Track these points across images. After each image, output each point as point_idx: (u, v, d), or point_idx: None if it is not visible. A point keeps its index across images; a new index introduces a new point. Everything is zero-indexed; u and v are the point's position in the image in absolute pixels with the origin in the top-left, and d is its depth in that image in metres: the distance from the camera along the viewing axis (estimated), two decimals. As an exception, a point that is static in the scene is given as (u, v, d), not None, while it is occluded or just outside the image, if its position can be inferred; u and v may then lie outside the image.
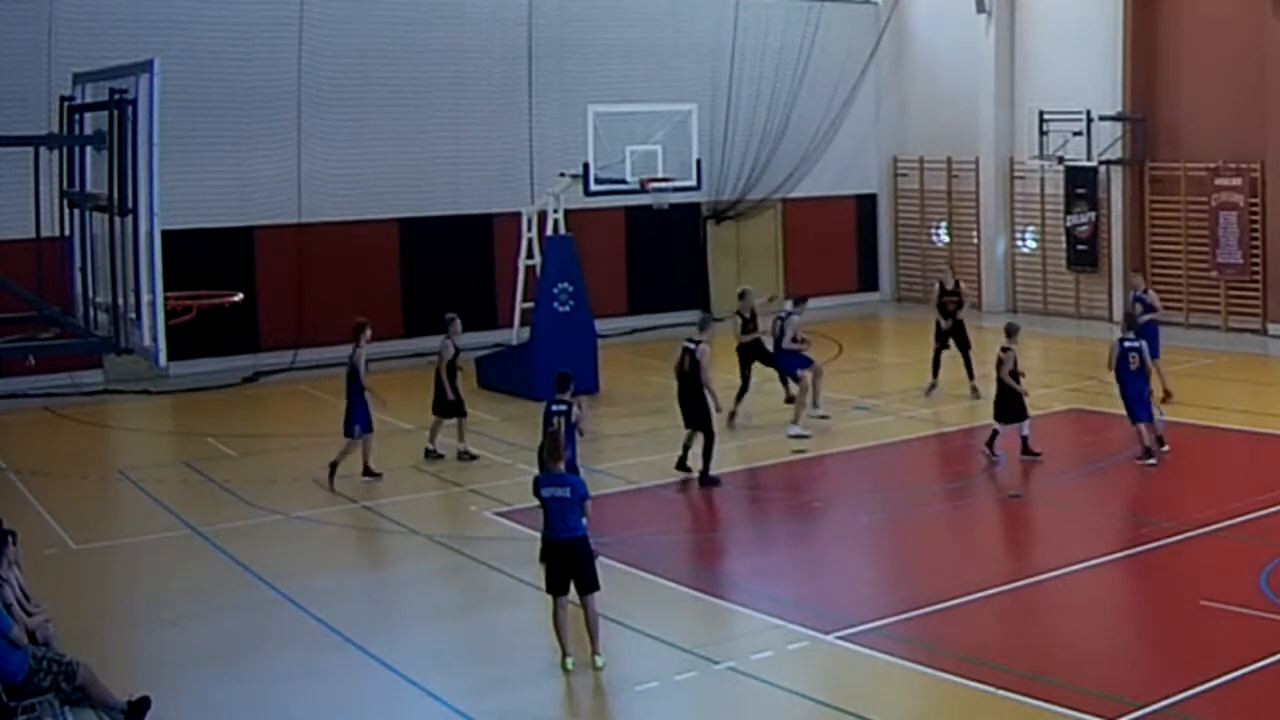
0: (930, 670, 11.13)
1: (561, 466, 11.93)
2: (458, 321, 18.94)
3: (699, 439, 17.62)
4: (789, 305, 21.30)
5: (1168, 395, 20.81)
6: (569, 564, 11.63)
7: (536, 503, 11.84)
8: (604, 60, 29.49)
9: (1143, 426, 17.77)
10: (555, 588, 11.68)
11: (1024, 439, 18.05)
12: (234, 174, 26.15)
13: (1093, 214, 29.71)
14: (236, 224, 26.31)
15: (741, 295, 21.47)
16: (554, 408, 14.82)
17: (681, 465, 17.82)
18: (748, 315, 21.12)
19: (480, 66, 28.52)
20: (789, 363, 20.68)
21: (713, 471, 17.38)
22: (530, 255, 24.43)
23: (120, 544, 15.71)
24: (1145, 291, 21.69)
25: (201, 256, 23.78)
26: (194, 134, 24.09)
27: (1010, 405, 18.00)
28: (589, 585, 11.65)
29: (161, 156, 9.16)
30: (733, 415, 20.53)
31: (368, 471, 17.77)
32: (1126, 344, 18.00)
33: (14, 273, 10.98)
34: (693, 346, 17.58)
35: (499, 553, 14.94)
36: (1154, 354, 20.57)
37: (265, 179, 26.49)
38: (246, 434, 21.08)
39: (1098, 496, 16.95)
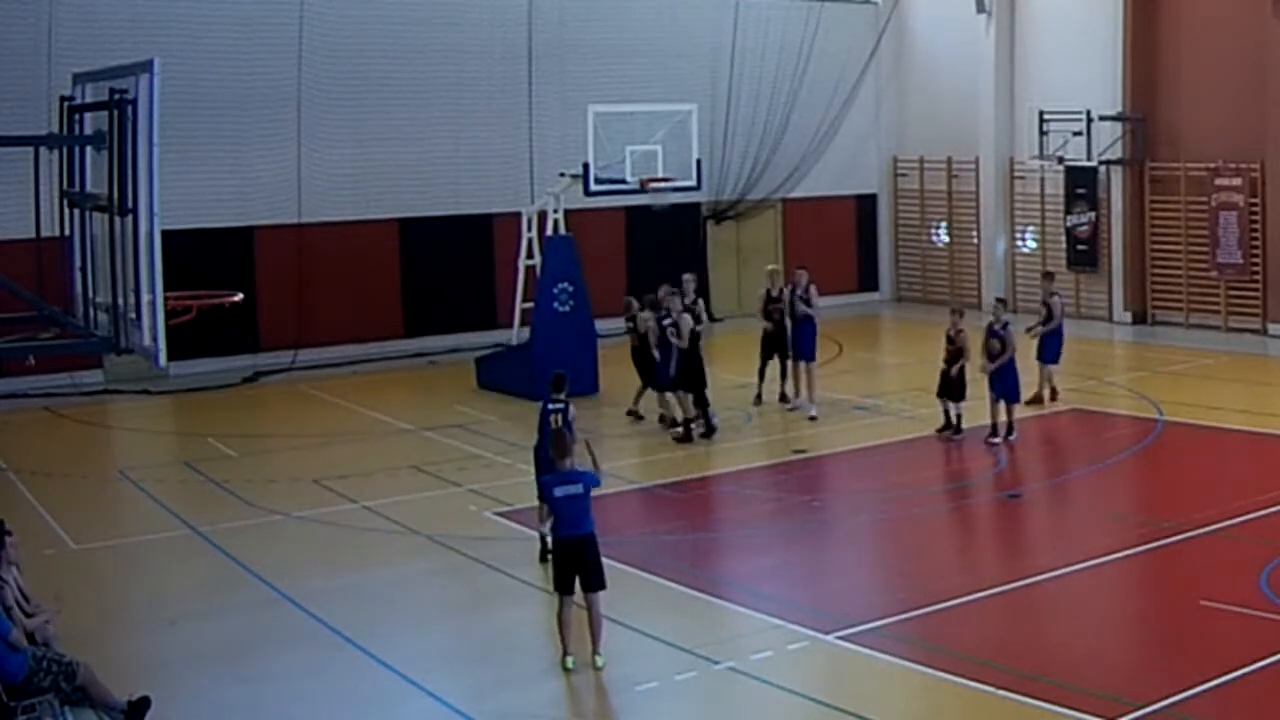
0: (930, 670, 11.13)
1: (569, 463, 11.91)
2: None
3: (684, 402, 19.60)
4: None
5: (1054, 394, 21.37)
6: (578, 562, 11.63)
7: (535, 503, 11.84)
8: (604, 60, 29.50)
9: (1004, 405, 18.98)
10: (563, 586, 11.69)
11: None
12: (234, 174, 26.15)
13: (1093, 214, 29.71)
14: (236, 224, 26.31)
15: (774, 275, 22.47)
16: (550, 407, 14.80)
17: (689, 436, 19.45)
18: (775, 294, 21.83)
19: (480, 66, 28.52)
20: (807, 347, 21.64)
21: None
22: (530, 255, 24.43)
23: (120, 544, 15.71)
24: (1053, 295, 21.60)
25: (201, 256, 23.81)
26: (194, 134, 24.10)
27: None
28: (596, 583, 11.65)
29: (161, 157, 9.16)
30: (784, 397, 21.82)
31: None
32: (996, 329, 19.26)
33: (14, 273, 10.98)
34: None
35: (499, 553, 14.93)
36: (1054, 358, 21.28)
37: (265, 179, 26.49)
38: (246, 434, 21.08)
39: (1098, 496, 16.95)
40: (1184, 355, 25.37)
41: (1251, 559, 13.51)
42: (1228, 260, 27.62)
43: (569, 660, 11.60)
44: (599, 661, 11.59)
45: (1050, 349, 21.21)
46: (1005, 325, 19.30)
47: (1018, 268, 31.79)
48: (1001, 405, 18.92)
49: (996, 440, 18.79)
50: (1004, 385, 18.96)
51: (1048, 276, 22.66)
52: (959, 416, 19.27)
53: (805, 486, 17.77)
